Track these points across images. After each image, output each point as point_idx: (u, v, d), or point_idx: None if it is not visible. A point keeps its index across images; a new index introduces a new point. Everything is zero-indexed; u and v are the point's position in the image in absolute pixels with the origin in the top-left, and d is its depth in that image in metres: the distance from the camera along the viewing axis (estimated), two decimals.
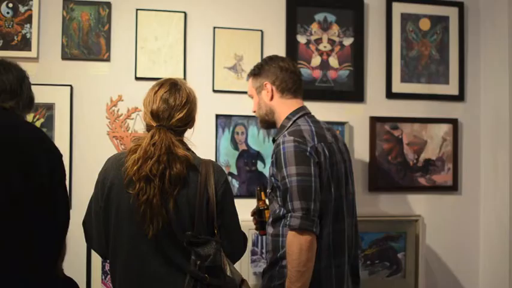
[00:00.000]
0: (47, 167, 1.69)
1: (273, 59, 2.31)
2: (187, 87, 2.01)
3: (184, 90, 1.98)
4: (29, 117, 2.77)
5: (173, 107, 1.94)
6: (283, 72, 2.26)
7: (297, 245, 1.98)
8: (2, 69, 1.85)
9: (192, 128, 2.05)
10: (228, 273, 1.92)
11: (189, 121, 1.99)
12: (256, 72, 2.32)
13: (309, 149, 2.05)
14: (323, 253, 2.08)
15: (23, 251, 1.62)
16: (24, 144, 1.66)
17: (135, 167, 1.85)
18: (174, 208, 1.85)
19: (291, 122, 2.20)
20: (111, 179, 1.93)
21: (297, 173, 2.02)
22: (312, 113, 2.30)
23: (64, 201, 1.77)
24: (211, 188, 1.89)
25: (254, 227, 2.42)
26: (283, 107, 2.25)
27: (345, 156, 2.23)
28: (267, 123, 2.32)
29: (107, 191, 1.93)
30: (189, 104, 1.97)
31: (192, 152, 1.99)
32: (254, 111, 2.35)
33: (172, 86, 1.98)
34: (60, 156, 1.78)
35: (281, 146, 2.07)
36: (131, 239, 1.88)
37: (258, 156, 3.00)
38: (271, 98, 2.26)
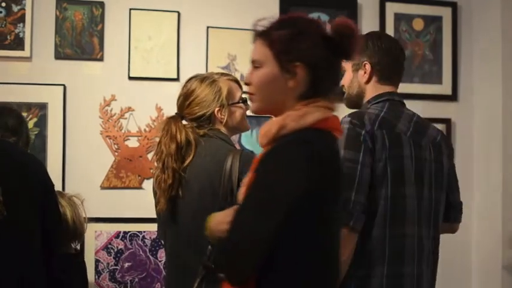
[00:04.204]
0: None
1: (380, 37, 2.04)
2: (211, 77, 2.09)
3: (195, 82, 2.06)
4: None
5: (181, 94, 2.07)
6: (389, 57, 2.00)
7: None
8: (4, 113, 2.20)
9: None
10: None
11: (203, 106, 2.03)
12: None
13: (363, 132, 1.83)
14: (374, 258, 1.84)
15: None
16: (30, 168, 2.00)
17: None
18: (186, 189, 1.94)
19: (368, 106, 1.98)
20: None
21: (343, 158, 1.78)
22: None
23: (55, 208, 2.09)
24: (235, 180, 1.91)
25: None
26: (373, 92, 2.00)
27: (426, 154, 1.93)
28: (353, 103, 2.07)
29: None
30: (194, 94, 2.04)
31: (222, 139, 2.02)
32: (343, 85, 2.09)
33: (193, 78, 2.10)
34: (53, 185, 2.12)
35: None
36: (164, 219, 2.03)
37: (253, 154, 3.00)
38: (368, 81, 2.01)
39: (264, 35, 1.47)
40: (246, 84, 1.50)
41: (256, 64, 1.47)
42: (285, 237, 1.32)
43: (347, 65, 2.06)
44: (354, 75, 2.04)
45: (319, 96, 1.45)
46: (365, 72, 2.00)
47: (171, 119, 2.03)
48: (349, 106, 2.09)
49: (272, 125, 1.41)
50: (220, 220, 1.54)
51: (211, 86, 2.08)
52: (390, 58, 2.00)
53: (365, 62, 1.99)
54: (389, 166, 1.84)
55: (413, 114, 2.02)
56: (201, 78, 2.08)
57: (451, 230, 2.17)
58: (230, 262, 1.33)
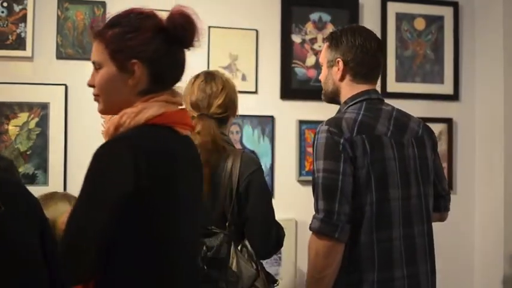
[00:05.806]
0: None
1: (355, 33, 1.95)
2: (224, 76, 2.11)
3: (220, 78, 2.08)
4: (24, 117, 2.77)
5: (211, 95, 2.03)
6: (363, 54, 1.93)
7: (313, 249, 1.80)
8: None
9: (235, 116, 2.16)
10: (234, 267, 1.92)
11: (229, 107, 2.06)
12: (333, 43, 1.97)
13: (342, 141, 1.79)
14: (364, 264, 1.82)
15: None
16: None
17: None
18: (207, 196, 1.92)
19: (345, 108, 1.93)
20: None
21: (323, 169, 1.79)
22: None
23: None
24: (235, 181, 1.94)
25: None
26: (349, 91, 1.95)
27: (409, 152, 1.90)
28: (330, 99, 2.04)
29: None
30: (227, 90, 2.06)
31: (229, 144, 2.06)
32: (320, 80, 2.07)
33: (208, 76, 2.08)
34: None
35: (316, 136, 1.85)
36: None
37: (254, 155, 3.00)
38: (342, 79, 1.96)
39: (99, 36, 1.45)
40: (90, 86, 1.50)
41: (96, 66, 1.47)
42: (117, 235, 1.31)
43: (323, 61, 2.03)
44: (329, 72, 1.99)
45: (162, 90, 1.45)
46: (338, 69, 1.95)
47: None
48: (327, 101, 2.08)
49: (110, 124, 1.43)
50: (64, 220, 1.45)
51: (228, 79, 2.15)
52: (365, 55, 1.94)
53: (338, 59, 1.95)
54: (373, 171, 1.81)
55: (392, 109, 1.98)
56: (208, 73, 2.13)
57: (441, 219, 2.14)
58: (66, 264, 1.31)
